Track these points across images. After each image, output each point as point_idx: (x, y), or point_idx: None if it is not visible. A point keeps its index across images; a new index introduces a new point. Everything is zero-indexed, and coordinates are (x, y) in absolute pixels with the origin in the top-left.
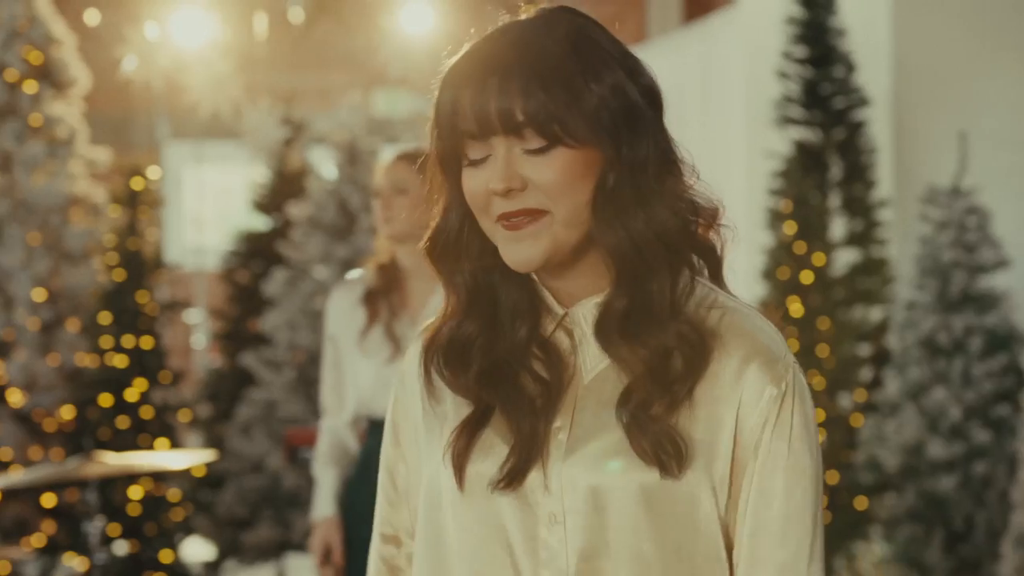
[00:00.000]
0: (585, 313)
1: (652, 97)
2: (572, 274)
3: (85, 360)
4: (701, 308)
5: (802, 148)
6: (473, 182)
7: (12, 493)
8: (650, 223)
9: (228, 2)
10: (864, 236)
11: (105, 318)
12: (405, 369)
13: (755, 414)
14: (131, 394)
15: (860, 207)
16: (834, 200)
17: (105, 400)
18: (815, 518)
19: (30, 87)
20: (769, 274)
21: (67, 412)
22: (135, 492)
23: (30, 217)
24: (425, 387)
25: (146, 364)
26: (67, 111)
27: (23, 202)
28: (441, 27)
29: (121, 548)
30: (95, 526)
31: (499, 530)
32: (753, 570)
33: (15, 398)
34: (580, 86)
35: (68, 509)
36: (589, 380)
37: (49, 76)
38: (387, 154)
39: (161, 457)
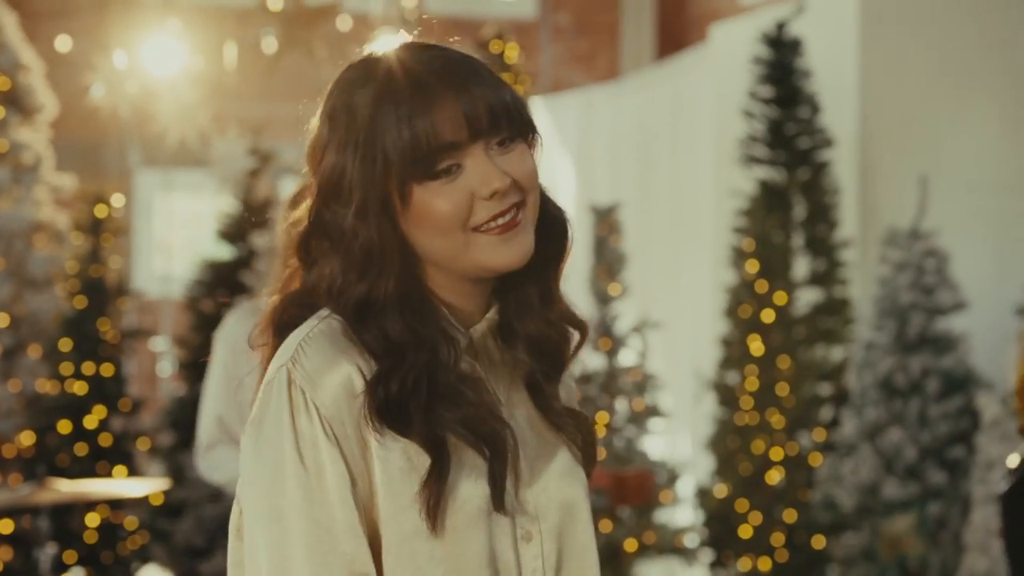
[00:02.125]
0: (484, 334)
1: None
2: (469, 290)
3: (46, 386)
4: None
5: (766, 187)
6: (449, 193)
7: None
8: (553, 207)
9: (198, 32)
10: (826, 276)
11: (66, 344)
12: (318, 393)
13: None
14: (90, 421)
15: (823, 247)
16: (797, 240)
17: (64, 427)
18: None
19: None
20: (731, 312)
21: (27, 438)
22: (92, 520)
23: None
24: (362, 438)
25: (106, 391)
26: (33, 137)
27: None
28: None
29: None
30: (46, 553)
31: (478, 555)
32: None
33: None
34: (520, 98)
35: (24, 536)
36: (507, 399)
37: (16, 102)
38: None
39: (116, 485)
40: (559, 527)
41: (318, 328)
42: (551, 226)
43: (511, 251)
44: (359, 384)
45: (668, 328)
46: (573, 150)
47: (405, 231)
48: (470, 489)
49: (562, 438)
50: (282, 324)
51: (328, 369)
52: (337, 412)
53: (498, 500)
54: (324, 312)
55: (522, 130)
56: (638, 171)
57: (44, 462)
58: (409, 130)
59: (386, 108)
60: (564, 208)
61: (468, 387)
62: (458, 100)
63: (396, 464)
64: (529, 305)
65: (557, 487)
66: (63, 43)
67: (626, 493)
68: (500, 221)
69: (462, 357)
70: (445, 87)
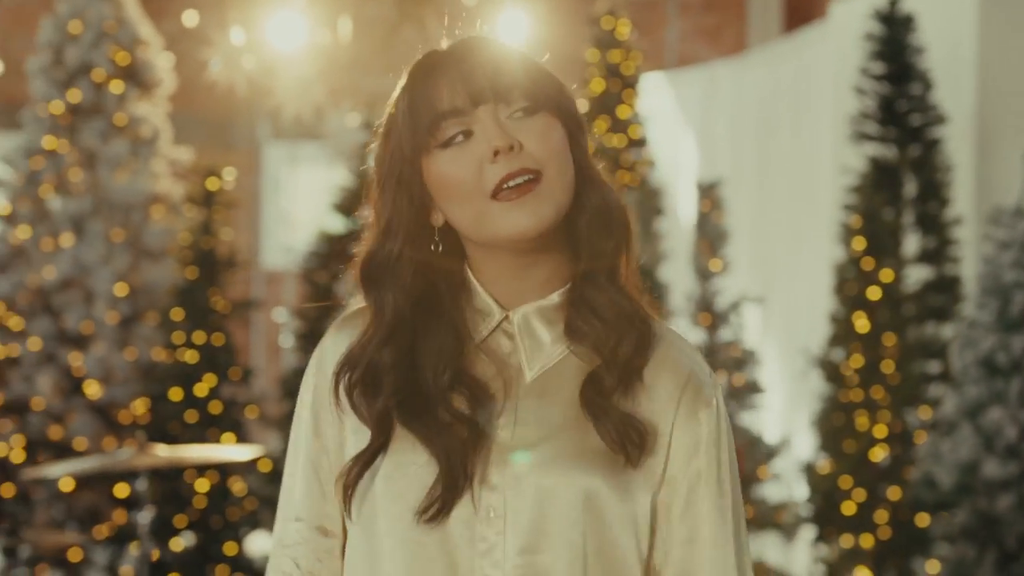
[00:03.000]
0: (527, 315)
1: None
2: (521, 271)
3: (160, 355)
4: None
5: (877, 164)
6: (459, 158)
7: (85, 482)
8: (608, 208)
9: (318, 6)
10: (937, 254)
11: (178, 314)
12: (325, 356)
13: (690, 430)
14: (201, 389)
15: (933, 224)
16: (908, 217)
17: (176, 394)
18: (741, 532)
19: (116, 87)
20: (838, 289)
21: (141, 405)
22: (202, 485)
23: (112, 214)
24: (336, 419)
25: (217, 360)
26: (151, 111)
27: (105, 199)
28: (534, 35)
29: (188, 539)
30: (144, 516)
31: (439, 522)
32: None
33: (92, 390)
34: (550, 73)
35: (135, 499)
36: (532, 380)
37: (135, 76)
38: None
39: (217, 450)
40: (531, 510)
41: (354, 309)
42: (607, 215)
43: (524, 217)
44: (333, 394)
45: (785, 304)
46: (695, 125)
47: (438, 205)
48: (413, 493)
49: (592, 428)
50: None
51: (337, 346)
52: (325, 385)
53: (430, 520)
54: None
55: (546, 104)
56: (759, 147)
57: (156, 429)
58: (410, 102)
59: (400, 96)
60: (621, 200)
61: (461, 393)
62: (459, 69)
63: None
64: (600, 292)
65: (532, 472)
66: (189, 18)
67: None
68: (512, 183)
69: (491, 334)
70: (446, 60)
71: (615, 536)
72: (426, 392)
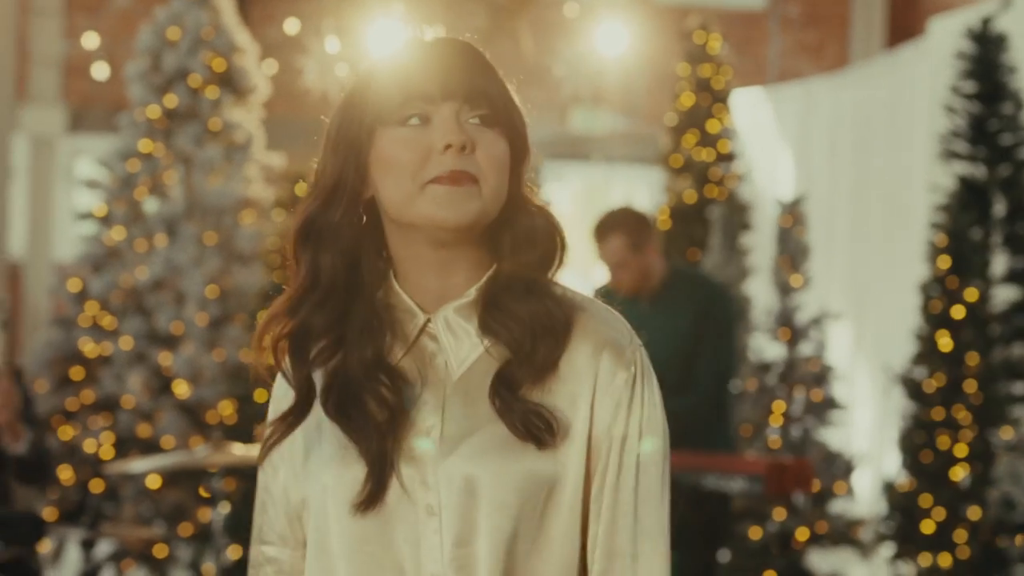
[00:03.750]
0: (447, 316)
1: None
2: (444, 271)
3: (248, 356)
4: (561, 295)
5: (965, 183)
6: (411, 140)
7: (172, 480)
8: (537, 216)
9: (415, 16)
10: None
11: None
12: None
13: (608, 397)
14: None
15: (1022, 244)
16: (996, 237)
17: (261, 396)
18: (664, 499)
19: (211, 92)
20: (923, 307)
21: (227, 406)
22: None
23: (205, 217)
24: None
25: None
26: (245, 117)
27: (199, 202)
28: (631, 48)
29: None
30: (218, 513)
31: (382, 524)
32: (610, 556)
33: (181, 389)
34: (508, 91)
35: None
36: (457, 378)
37: (230, 83)
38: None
39: None
40: (462, 503)
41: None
42: (532, 233)
43: (453, 208)
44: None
45: (875, 321)
46: (793, 141)
47: (371, 179)
48: (340, 484)
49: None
50: None
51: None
52: (280, 390)
53: (364, 509)
54: None
55: (504, 121)
56: (855, 164)
57: (241, 429)
58: (385, 75)
59: (375, 68)
60: (553, 220)
61: (385, 384)
62: (440, 60)
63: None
64: (512, 291)
65: (462, 464)
66: (291, 26)
67: (784, 481)
68: (446, 178)
69: (417, 338)
70: (431, 50)
71: (547, 521)
72: (351, 375)
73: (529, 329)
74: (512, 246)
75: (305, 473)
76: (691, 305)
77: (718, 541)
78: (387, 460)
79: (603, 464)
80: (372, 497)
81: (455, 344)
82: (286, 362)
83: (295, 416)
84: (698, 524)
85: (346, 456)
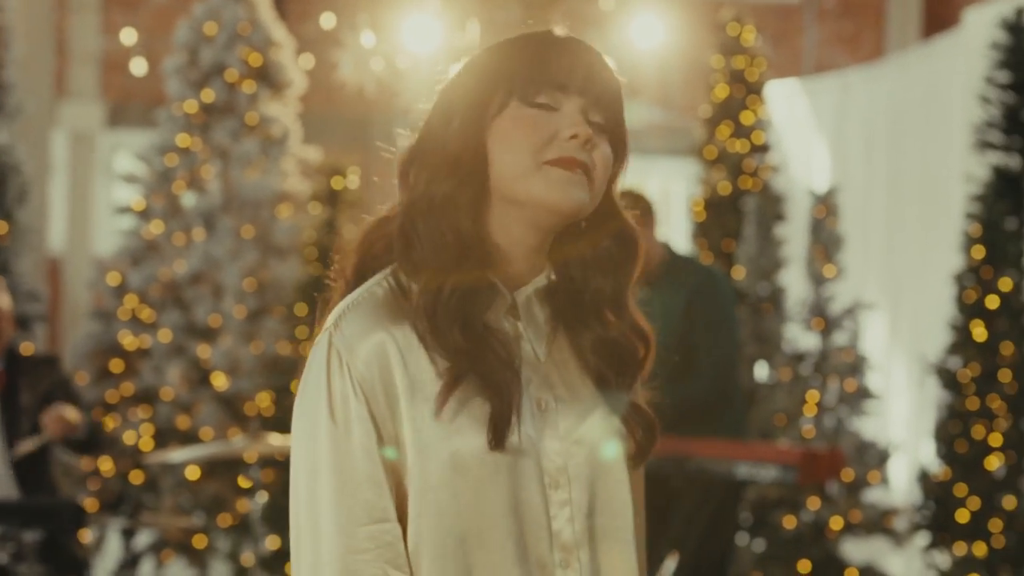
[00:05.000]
0: (529, 296)
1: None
2: (539, 254)
3: (285, 348)
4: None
5: (999, 173)
6: (539, 121)
7: (211, 470)
8: (624, 225)
9: (450, 10)
10: None
11: (301, 309)
12: (355, 356)
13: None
14: None
15: None
16: None
17: (296, 387)
18: None
19: (248, 87)
20: (957, 297)
21: (265, 397)
22: None
23: (242, 210)
24: (392, 399)
25: None
26: (282, 111)
27: (236, 196)
28: (666, 41)
29: None
30: (256, 502)
31: (498, 502)
32: None
33: (219, 381)
34: (623, 109)
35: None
36: (545, 358)
37: (267, 77)
38: None
39: None
40: (590, 478)
41: (362, 296)
42: (622, 235)
43: (566, 193)
44: (391, 350)
45: (911, 311)
46: (828, 132)
47: (488, 147)
48: (475, 432)
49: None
50: (361, 267)
51: (363, 335)
52: (368, 374)
53: (498, 441)
54: (380, 276)
55: (614, 132)
56: (890, 155)
57: (279, 420)
58: (528, 58)
59: (517, 43)
60: (635, 230)
61: (495, 338)
62: (580, 59)
63: (425, 420)
64: (600, 299)
65: (588, 442)
66: (327, 20)
67: (817, 470)
68: (563, 163)
69: (504, 316)
70: (569, 47)
71: (636, 493)
72: (480, 333)
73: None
74: (610, 246)
75: (421, 441)
76: (684, 289)
77: (729, 527)
78: (514, 405)
79: None
80: (499, 435)
81: (534, 326)
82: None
83: (454, 379)
84: (707, 510)
85: (472, 404)
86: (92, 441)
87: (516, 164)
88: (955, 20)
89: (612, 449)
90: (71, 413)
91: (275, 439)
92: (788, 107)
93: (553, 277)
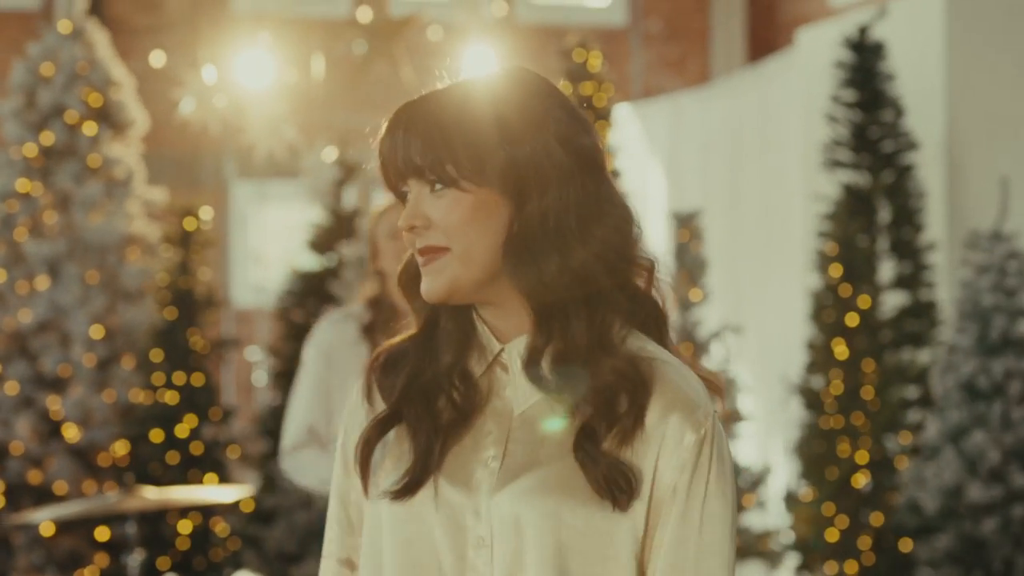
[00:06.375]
0: (516, 349)
1: (585, 157)
2: (502, 312)
3: (139, 396)
4: (633, 353)
5: (850, 191)
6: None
7: (67, 526)
8: (565, 266)
9: (287, 45)
10: (912, 279)
11: (157, 355)
12: (351, 400)
13: (675, 458)
14: (182, 430)
15: (908, 250)
16: (882, 243)
17: (156, 436)
18: (729, 562)
19: (89, 128)
20: (816, 316)
21: (120, 447)
22: (184, 527)
23: (87, 256)
24: (367, 410)
25: (197, 401)
26: (125, 152)
27: (80, 241)
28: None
29: None
30: (134, 559)
31: (430, 551)
32: None
33: (71, 433)
34: (487, 141)
35: (117, 542)
36: (518, 414)
37: (108, 118)
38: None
39: (204, 491)
40: (513, 538)
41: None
42: (594, 277)
43: (426, 284)
44: (363, 396)
45: (758, 333)
46: (663, 156)
47: None
48: (390, 477)
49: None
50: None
51: (355, 386)
52: (350, 420)
53: (403, 492)
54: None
55: (466, 177)
56: (727, 176)
57: (137, 471)
58: (380, 162)
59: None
60: (633, 260)
61: (456, 385)
62: (395, 140)
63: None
64: (575, 346)
65: (511, 501)
66: (157, 58)
67: None
68: (419, 259)
69: (480, 360)
70: (395, 125)
71: (602, 570)
72: (429, 375)
73: (605, 383)
74: (551, 298)
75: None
76: None
77: None
78: (433, 458)
79: (665, 520)
80: (407, 488)
81: (523, 381)
82: (374, 383)
83: (382, 423)
84: None
85: (402, 454)
86: None
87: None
88: (782, 42)
89: (538, 512)
90: None
91: (150, 492)
92: (623, 132)
93: (538, 337)
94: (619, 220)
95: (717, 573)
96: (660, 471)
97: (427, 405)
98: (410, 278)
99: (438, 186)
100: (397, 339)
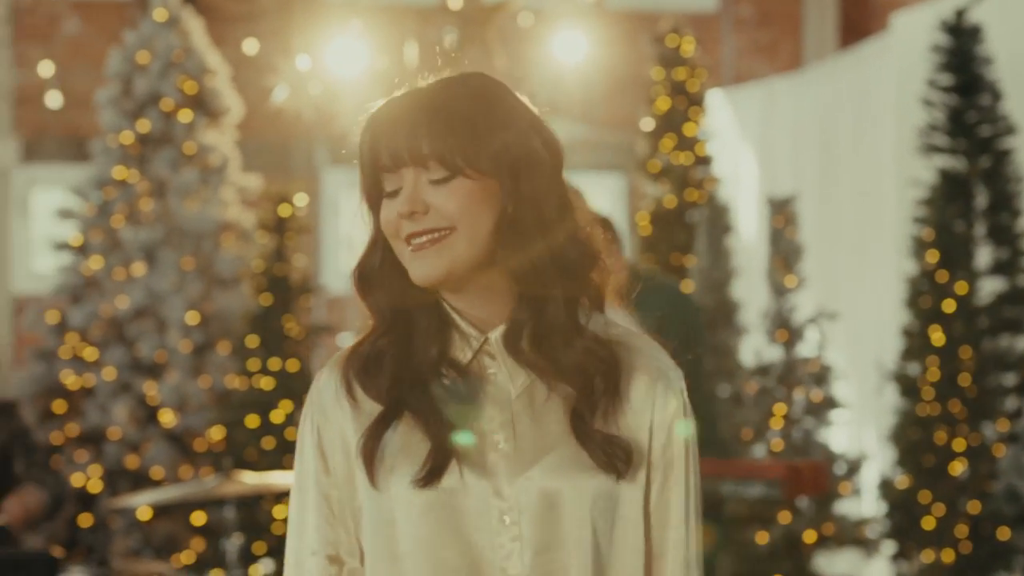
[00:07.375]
0: (497, 335)
1: (552, 148)
2: (479, 300)
3: (234, 382)
4: (602, 331)
5: (947, 176)
6: (386, 211)
7: (163, 510)
8: (547, 249)
9: (379, 32)
10: (1010, 265)
11: (253, 341)
12: (323, 399)
13: (663, 422)
14: (277, 416)
15: (1006, 236)
16: (979, 229)
17: (252, 421)
18: (694, 514)
19: (184, 116)
20: (912, 302)
21: (216, 432)
22: (280, 512)
23: (183, 242)
24: (351, 407)
25: (292, 386)
26: (220, 139)
27: (176, 228)
28: (593, 57)
29: (267, 567)
30: (233, 544)
31: (456, 534)
32: (663, 559)
33: (167, 418)
34: (484, 130)
35: (214, 527)
36: (516, 396)
37: (203, 105)
38: None
39: None
40: (542, 515)
41: (336, 356)
42: (569, 261)
43: (417, 269)
44: (343, 395)
45: (852, 319)
46: (755, 142)
47: None
48: (406, 473)
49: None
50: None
51: (326, 384)
52: (324, 419)
53: (425, 481)
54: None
55: (468, 166)
56: (820, 162)
57: (232, 456)
58: (362, 154)
59: (361, 136)
60: (590, 246)
61: (447, 377)
62: (391, 129)
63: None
64: (553, 327)
65: (541, 479)
66: (250, 46)
67: (801, 484)
68: (415, 241)
69: (463, 351)
70: (388, 116)
71: (621, 531)
72: (419, 370)
73: (577, 365)
74: (534, 277)
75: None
76: (655, 310)
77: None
78: (449, 444)
79: (657, 487)
80: (432, 474)
81: (512, 363)
82: (363, 382)
83: (383, 420)
84: None
85: (414, 444)
86: (56, 509)
87: (396, 249)
88: (876, 26)
89: (561, 486)
90: (33, 500)
91: (248, 478)
92: (715, 117)
93: (520, 315)
94: (582, 208)
95: (695, 525)
96: (655, 435)
97: (426, 396)
98: (362, 276)
99: (437, 174)
100: (362, 339)
